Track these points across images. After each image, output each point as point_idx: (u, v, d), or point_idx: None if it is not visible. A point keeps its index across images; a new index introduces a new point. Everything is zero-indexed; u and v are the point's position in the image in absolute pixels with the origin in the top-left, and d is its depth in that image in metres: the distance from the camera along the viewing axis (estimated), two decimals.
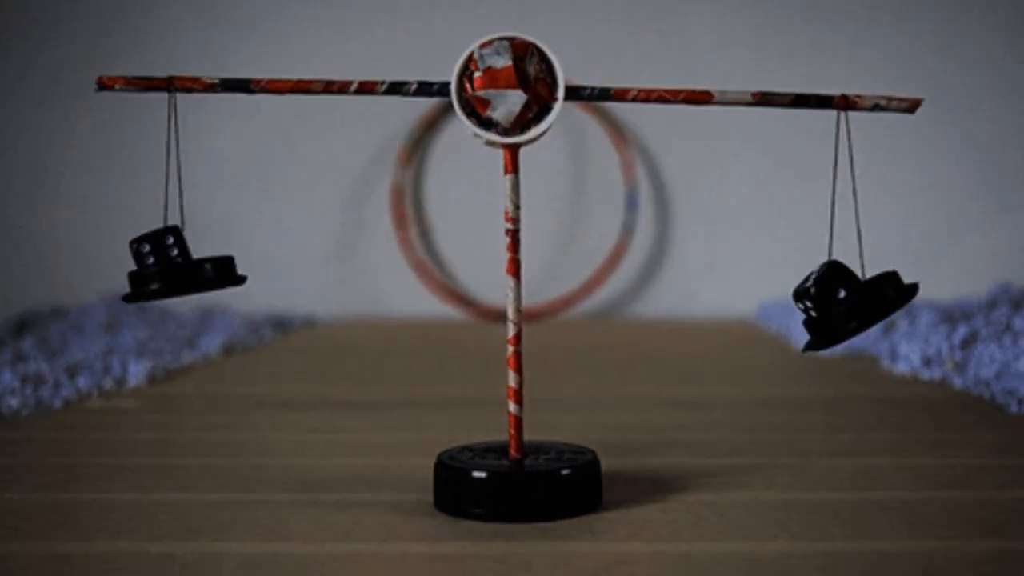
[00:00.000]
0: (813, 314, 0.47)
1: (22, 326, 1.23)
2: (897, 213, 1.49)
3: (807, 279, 0.47)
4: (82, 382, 0.86)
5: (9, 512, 0.49)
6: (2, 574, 0.41)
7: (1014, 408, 0.71)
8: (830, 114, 0.48)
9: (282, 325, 1.38)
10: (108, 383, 0.88)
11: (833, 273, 0.47)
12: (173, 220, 0.49)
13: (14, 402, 0.77)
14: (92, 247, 1.58)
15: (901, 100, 0.47)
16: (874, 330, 1.06)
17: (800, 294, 0.47)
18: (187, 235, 0.49)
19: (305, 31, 1.58)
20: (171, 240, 0.48)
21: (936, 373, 0.87)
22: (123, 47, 1.57)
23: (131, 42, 1.57)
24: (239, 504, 0.50)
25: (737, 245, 1.55)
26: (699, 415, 0.73)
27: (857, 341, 1.04)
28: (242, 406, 0.79)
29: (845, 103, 0.47)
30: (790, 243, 1.43)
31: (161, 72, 0.51)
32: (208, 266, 0.48)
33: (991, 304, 1.15)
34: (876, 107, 0.47)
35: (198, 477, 0.56)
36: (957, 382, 0.83)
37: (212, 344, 1.12)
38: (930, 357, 0.90)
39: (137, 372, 0.91)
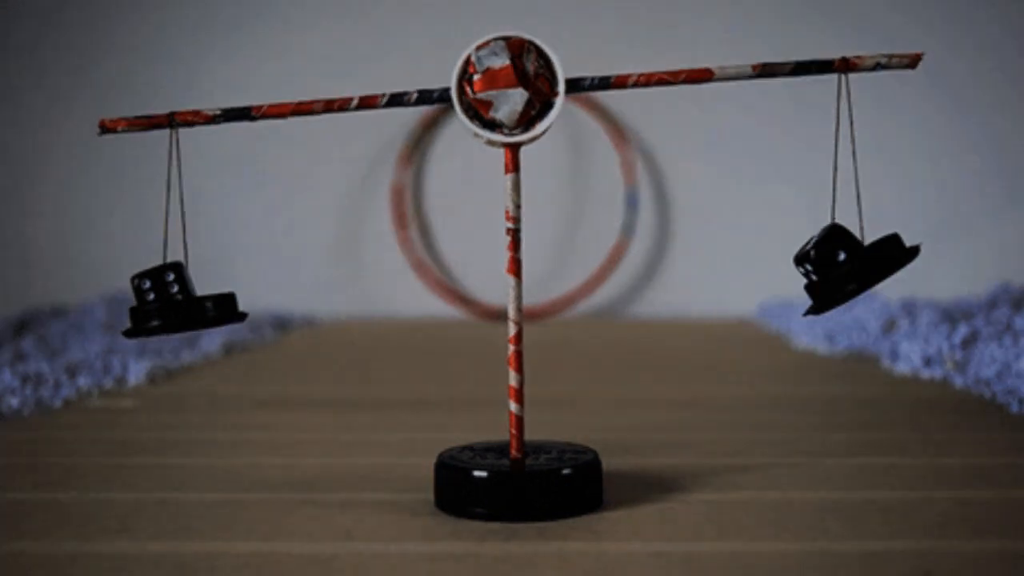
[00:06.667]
0: (814, 278, 0.47)
1: (22, 326, 1.23)
2: (897, 214, 1.49)
3: (808, 243, 0.47)
4: (82, 382, 0.86)
5: (9, 512, 0.49)
6: (2, 574, 0.41)
7: (1015, 408, 0.71)
8: (831, 113, 0.47)
9: (282, 325, 1.38)
10: (108, 383, 0.88)
11: (833, 236, 0.47)
12: (174, 248, 0.48)
13: (14, 402, 0.77)
14: (92, 247, 1.58)
15: (902, 57, 0.47)
16: (874, 330, 1.06)
17: (800, 258, 0.47)
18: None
19: (287, 38, 1.58)
20: (172, 276, 0.48)
21: (937, 373, 0.87)
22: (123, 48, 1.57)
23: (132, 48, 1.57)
24: (239, 504, 0.50)
25: (737, 245, 1.55)
26: (699, 415, 0.73)
27: (857, 341, 1.04)
28: (242, 406, 0.79)
29: (845, 65, 0.47)
30: (790, 243, 1.42)
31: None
32: (209, 304, 0.48)
33: (992, 304, 1.15)
34: (877, 66, 0.47)
35: (198, 477, 0.56)
36: (958, 382, 0.83)
37: (212, 344, 1.12)
38: (931, 357, 0.90)
39: (137, 372, 0.91)
